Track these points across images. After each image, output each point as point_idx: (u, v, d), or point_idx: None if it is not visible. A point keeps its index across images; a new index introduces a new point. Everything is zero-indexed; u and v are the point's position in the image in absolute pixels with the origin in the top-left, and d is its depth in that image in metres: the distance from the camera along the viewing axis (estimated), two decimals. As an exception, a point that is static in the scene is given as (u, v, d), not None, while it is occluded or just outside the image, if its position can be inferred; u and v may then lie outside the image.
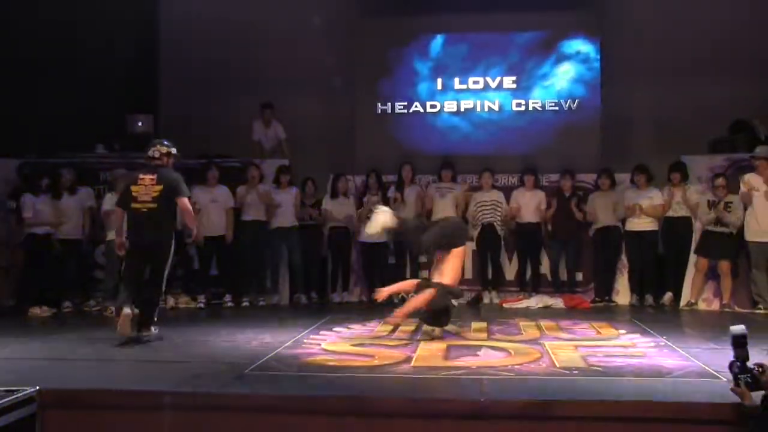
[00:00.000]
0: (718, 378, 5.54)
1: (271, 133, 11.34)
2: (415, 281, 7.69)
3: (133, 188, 7.31)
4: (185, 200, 7.36)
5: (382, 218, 7.30)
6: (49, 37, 11.07)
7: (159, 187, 7.25)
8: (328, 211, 10.60)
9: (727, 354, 5.28)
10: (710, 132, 10.78)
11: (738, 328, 4.48)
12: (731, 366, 4.50)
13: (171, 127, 12.12)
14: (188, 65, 12.51)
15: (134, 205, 7.27)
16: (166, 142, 7.63)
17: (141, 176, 7.32)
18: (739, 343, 4.44)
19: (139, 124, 11.39)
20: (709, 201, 9.64)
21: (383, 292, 7.40)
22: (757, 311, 9.17)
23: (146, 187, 7.25)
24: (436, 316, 7.18)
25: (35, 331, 8.31)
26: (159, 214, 7.23)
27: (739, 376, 4.44)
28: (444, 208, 10.42)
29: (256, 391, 5.30)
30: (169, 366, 6.12)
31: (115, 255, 9.28)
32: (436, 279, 7.26)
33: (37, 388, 5.08)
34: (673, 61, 11.85)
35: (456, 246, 7.22)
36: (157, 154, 7.45)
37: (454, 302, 7.35)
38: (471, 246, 10.20)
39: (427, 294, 7.08)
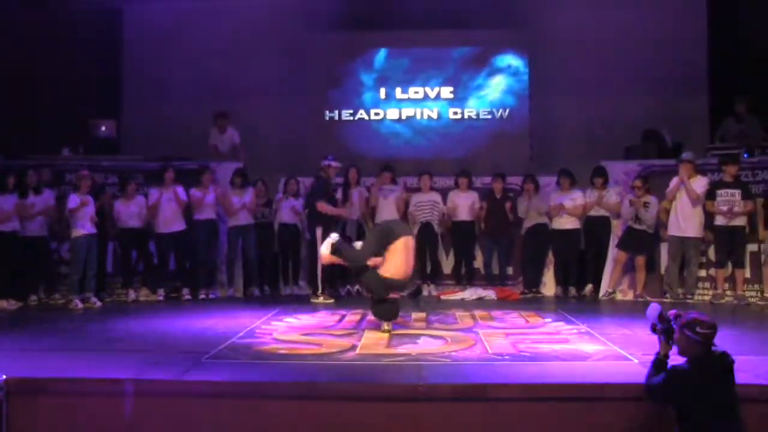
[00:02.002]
0: (630, 360, 5.67)
1: (227, 139, 11.22)
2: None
3: None
4: None
5: (325, 249, 7.21)
6: (13, 41, 10.79)
7: None
8: (280, 207, 10.52)
9: (639, 339, 5.40)
10: (625, 140, 11.00)
11: (654, 308, 4.61)
12: (653, 327, 4.60)
13: (133, 131, 11.95)
14: (150, 72, 12.29)
15: None
16: None
17: None
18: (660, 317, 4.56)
19: (102, 128, 11.17)
20: (630, 200, 9.80)
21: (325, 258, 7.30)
22: (665, 300, 9.36)
23: None
24: (384, 310, 7.06)
25: (2, 322, 8.10)
26: None
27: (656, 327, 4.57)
28: (387, 209, 10.42)
29: (213, 378, 5.26)
30: (131, 355, 6.03)
31: (79, 251, 9.17)
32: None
33: (4, 377, 4.97)
34: (595, 76, 12.06)
35: (389, 244, 7.06)
36: None
37: (395, 294, 7.25)
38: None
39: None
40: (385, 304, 7.07)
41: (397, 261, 6.87)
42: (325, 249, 7.21)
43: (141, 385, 5.07)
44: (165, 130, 11.68)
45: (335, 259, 7.24)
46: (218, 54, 12.17)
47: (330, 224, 9.57)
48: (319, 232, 9.47)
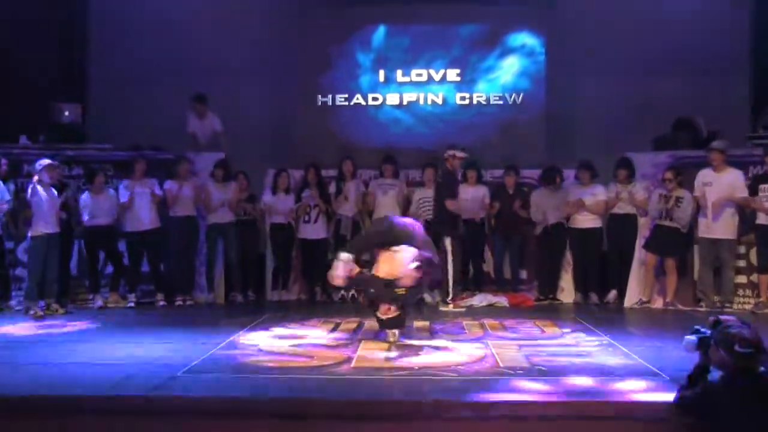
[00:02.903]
0: (659, 375, 5.67)
1: (207, 126, 11.20)
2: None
3: None
4: None
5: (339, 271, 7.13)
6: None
7: None
8: (268, 206, 10.54)
9: (670, 353, 5.40)
10: (654, 129, 11.00)
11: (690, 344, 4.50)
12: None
13: (101, 117, 11.93)
14: (119, 51, 12.29)
15: None
16: None
17: None
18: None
19: (66, 113, 11.14)
20: (660, 195, 9.76)
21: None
22: (699, 309, 9.37)
23: None
24: (389, 318, 7.02)
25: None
26: None
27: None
28: (386, 206, 10.43)
29: (190, 394, 5.26)
30: (98, 368, 6.03)
31: (37, 252, 9.13)
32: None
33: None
34: (620, 57, 12.05)
35: (383, 248, 7.06)
36: None
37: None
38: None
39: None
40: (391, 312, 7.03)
41: (390, 263, 6.88)
42: (336, 269, 7.07)
43: (109, 402, 5.07)
44: (137, 116, 11.68)
45: (346, 281, 7.19)
46: (197, 31, 12.15)
47: (457, 228, 9.56)
48: (448, 242, 9.44)
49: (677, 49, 11.86)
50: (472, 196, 10.48)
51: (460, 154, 9.79)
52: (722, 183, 9.42)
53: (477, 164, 10.72)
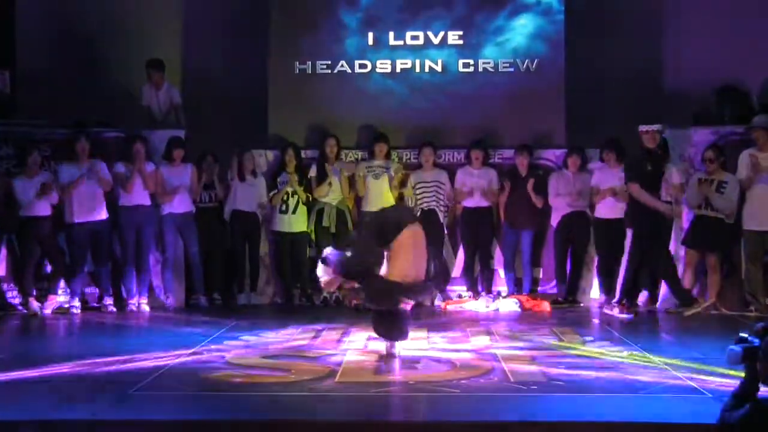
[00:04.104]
0: (701, 394, 5.67)
1: (163, 98, 11.16)
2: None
3: None
4: None
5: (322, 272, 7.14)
6: None
7: None
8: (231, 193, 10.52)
9: (712, 364, 5.42)
10: (694, 100, 10.99)
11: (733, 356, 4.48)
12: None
13: (32, 86, 11.81)
14: (56, 5, 12.22)
15: None
16: None
17: None
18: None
19: (-11, 81, 11.14)
20: (700, 179, 9.78)
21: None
22: (748, 314, 9.40)
23: None
24: (389, 326, 6.95)
25: None
26: None
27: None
28: (379, 192, 10.43)
29: (143, 416, 5.23)
30: (34, 387, 6.01)
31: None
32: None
33: None
34: (654, 14, 12.03)
35: (391, 240, 7.04)
36: None
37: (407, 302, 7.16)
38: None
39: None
40: (390, 317, 6.95)
41: (404, 259, 6.81)
42: (321, 272, 7.06)
43: (44, 428, 5.03)
44: (79, 86, 11.62)
45: (338, 282, 7.16)
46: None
47: (647, 220, 9.61)
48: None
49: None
50: (476, 181, 10.47)
51: (654, 128, 9.74)
52: (770, 165, 9.46)
53: (483, 143, 10.70)
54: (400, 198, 10.45)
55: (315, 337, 7.87)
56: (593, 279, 10.48)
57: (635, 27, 12.05)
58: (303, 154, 10.75)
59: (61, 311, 9.88)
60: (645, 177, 9.64)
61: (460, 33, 12.00)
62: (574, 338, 7.92)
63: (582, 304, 10.40)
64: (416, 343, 7.55)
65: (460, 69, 11.97)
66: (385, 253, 6.87)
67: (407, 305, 7.01)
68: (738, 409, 4.39)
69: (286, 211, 10.49)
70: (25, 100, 11.63)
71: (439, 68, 11.97)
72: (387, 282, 6.81)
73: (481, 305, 10.06)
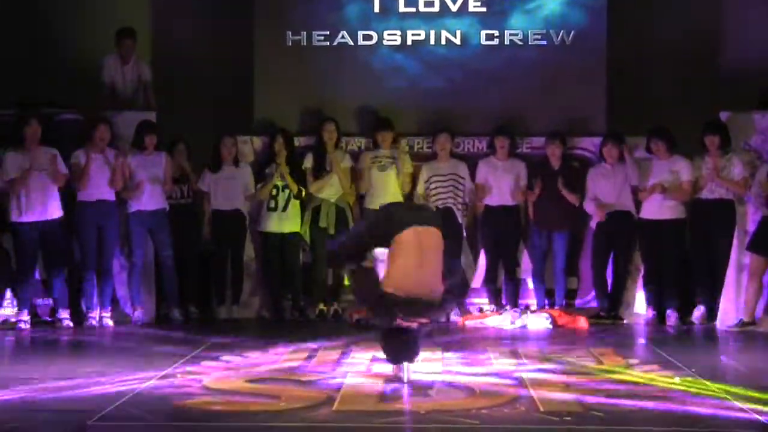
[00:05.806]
0: (768, 428, 5.68)
1: (131, 74, 11.19)
2: None
3: None
4: None
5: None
6: None
7: None
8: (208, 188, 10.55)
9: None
10: (758, 78, 11.00)
11: None
12: None
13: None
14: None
15: None
16: None
17: None
18: None
19: None
20: (768, 172, 9.83)
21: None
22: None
23: None
24: (396, 346, 6.92)
25: None
26: None
27: None
28: (385, 187, 10.51)
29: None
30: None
31: None
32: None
33: None
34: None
35: (390, 236, 6.97)
36: None
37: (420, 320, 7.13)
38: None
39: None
40: (398, 334, 6.92)
41: (400, 264, 6.75)
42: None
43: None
44: (28, 59, 11.66)
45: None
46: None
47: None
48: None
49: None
50: (501, 174, 10.48)
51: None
52: None
53: (509, 130, 10.71)
54: (410, 197, 10.46)
55: (309, 358, 7.88)
56: (638, 291, 10.49)
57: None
58: (296, 141, 10.78)
59: (7, 326, 9.92)
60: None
61: (483, -1, 12.02)
62: (616, 361, 7.92)
63: (625, 321, 10.41)
64: (429, 365, 7.55)
65: (483, 41, 11.99)
66: (385, 254, 6.84)
67: (409, 324, 6.87)
68: None
69: (275, 208, 10.51)
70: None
71: (457, 40, 11.99)
72: (378, 286, 6.74)
73: (505, 321, 10.07)
